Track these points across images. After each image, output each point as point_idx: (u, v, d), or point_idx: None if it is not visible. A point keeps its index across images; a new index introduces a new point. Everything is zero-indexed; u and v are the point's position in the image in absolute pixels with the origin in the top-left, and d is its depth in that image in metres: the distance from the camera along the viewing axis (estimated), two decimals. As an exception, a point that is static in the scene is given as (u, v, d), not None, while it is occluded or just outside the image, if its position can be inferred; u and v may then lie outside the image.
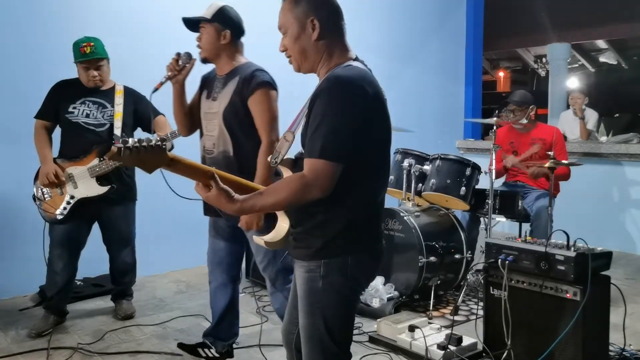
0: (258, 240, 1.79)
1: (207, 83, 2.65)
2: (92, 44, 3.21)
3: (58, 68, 3.42)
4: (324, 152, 1.52)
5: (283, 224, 1.76)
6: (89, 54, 3.19)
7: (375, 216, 1.73)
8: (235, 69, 2.55)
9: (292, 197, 1.54)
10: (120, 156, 1.36)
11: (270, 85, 2.48)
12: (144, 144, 1.38)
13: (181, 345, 2.90)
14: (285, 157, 1.71)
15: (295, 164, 1.72)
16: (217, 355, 2.81)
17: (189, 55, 2.54)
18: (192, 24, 2.56)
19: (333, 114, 1.54)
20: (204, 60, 2.58)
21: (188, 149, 2.57)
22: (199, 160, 2.64)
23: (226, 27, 2.52)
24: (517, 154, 4.29)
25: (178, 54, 2.52)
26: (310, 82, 1.77)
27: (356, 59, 1.73)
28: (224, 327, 2.83)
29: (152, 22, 4.38)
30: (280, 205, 1.61)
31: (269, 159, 1.75)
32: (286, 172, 1.74)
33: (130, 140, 1.37)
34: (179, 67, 2.51)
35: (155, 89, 2.49)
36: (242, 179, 1.71)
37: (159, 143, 1.40)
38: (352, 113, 1.56)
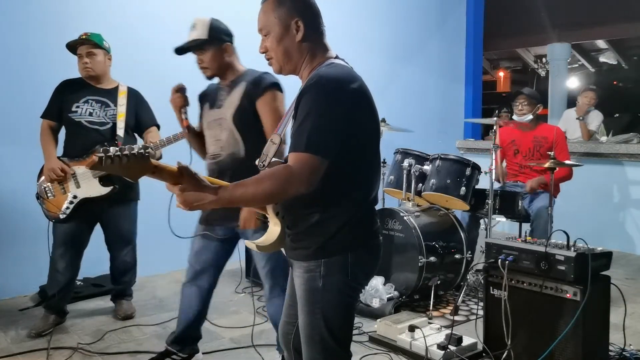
0: (249, 244, 1.76)
1: (207, 96, 2.65)
2: (88, 33, 3.26)
3: (59, 68, 3.42)
4: (310, 146, 1.50)
5: (275, 227, 1.73)
6: (80, 39, 3.23)
7: (371, 212, 1.73)
8: (238, 77, 2.55)
9: (275, 187, 1.48)
10: (102, 165, 1.32)
11: (278, 86, 2.49)
12: (126, 152, 1.34)
13: None
14: (272, 160, 1.69)
15: None
16: (184, 355, 2.77)
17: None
18: (185, 49, 2.50)
19: (318, 110, 1.53)
20: (211, 78, 2.57)
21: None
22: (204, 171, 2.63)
23: (224, 41, 2.51)
24: (519, 152, 4.30)
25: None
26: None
27: (337, 57, 1.73)
28: (192, 331, 2.79)
29: (152, 23, 4.38)
30: (261, 196, 1.50)
31: (256, 162, 1.72)
32: None
33: (111, 149, 1.33)
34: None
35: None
36: (218, 180, 1.61)
37: (142, 151, 1.36)
38: (337, 109, 1.55)
